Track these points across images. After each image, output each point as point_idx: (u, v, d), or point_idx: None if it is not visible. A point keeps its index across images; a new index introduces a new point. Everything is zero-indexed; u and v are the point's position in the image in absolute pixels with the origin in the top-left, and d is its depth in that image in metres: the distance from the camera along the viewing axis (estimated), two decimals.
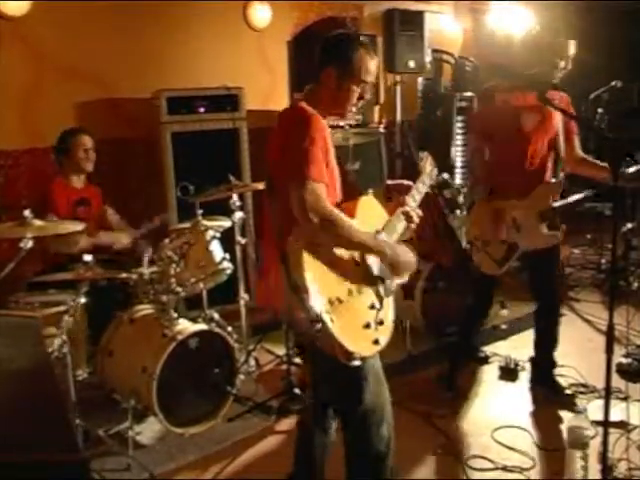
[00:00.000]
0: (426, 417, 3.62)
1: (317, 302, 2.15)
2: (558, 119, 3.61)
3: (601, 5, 6.80)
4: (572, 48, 3.56)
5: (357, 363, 2.27)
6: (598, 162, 3.71)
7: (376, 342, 2.35)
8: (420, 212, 2.64)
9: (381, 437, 2.49)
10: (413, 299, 4.51)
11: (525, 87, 3.48)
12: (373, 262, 2.39)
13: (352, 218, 2.33)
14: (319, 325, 2.13)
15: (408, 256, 2.43)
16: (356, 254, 2.35)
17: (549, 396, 3.77)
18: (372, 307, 2.36)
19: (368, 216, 2.45)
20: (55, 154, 4.23)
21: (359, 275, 2.35)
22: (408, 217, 2.59)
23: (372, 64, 2.43)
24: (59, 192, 4.06)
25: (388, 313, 2.43)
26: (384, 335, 2.39)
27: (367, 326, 2.32)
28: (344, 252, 2.32)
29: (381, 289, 2.40)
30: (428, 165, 2.83)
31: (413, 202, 2.65)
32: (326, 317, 2.15)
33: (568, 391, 3.77)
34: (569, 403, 3.63)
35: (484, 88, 3.63)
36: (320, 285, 2.18)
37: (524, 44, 3.67)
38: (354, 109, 2.49)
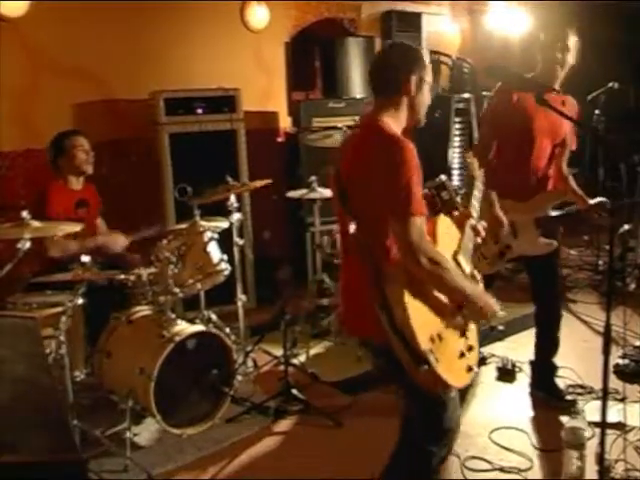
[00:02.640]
0: None
1: (421, 342, 2.12)
2: (567, 126, 3.59)
3: (599, 6, 6.81)
4: (573, 41, 3.53)
5: (453, 394, 2.29)
6: (577, 189, 3.71)
7: (470, 369, 2.35)
8: (485, 224, 2.65)
9: (438, 456, 2.42)
10: None
11: (525, 89, 3.46)
12: None
13: (433, 239, 2.30)
14: (425, 366, 2.10)
15: (494, 307, 2.38)
16: None
17: (549, 401, 3.75)
18: (462, 334, 2.35)
19: (446, 236, 2.43)
20: (51, 156, 4.18)
21: (449, 302, 2.32)
22: (476, 231, 2.59)
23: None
24: (58, 194, 4.04)
25: (474, 336, 2.42)
26: (474, 360, 2.38)
27: (462, 355, 2.31)
28: None
29: (466, 312, 2.37)
30: (477, 170, 2.83)
31: (475, 213, 2.66)
32: (432, 358, 2.12)
33: (569, 397, 3.74)
34: (569, 408, 3.60)
35: (499, 85, 3.58)
36: (422, 323, 2.15)
37: (523, 45, 3.64)
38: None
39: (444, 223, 2.48)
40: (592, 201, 3.65)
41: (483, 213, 3.57)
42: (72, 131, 4.29)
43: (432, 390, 2.21)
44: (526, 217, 3.58)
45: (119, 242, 4.18)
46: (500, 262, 3.66)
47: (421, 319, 2.16)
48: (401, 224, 2.17)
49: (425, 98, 2.43)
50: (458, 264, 2.42)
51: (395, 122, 2.36)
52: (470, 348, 2.37)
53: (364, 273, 2.25)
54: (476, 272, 2.52)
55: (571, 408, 3.56)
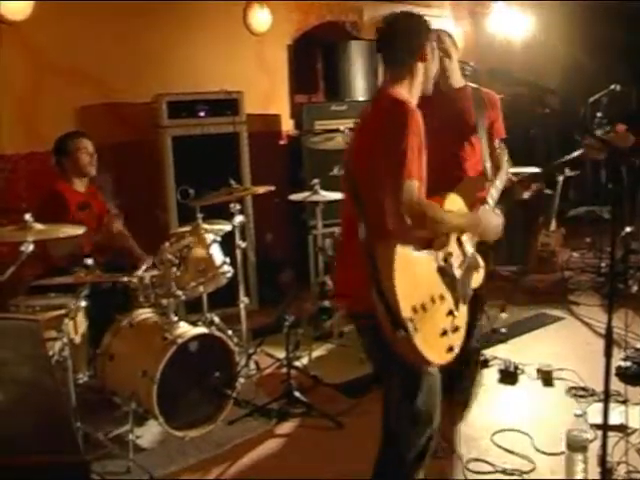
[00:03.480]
0: None
1: (403, 309, 2.13)
2: (490, 117, 3.48)
3: (601, 8, 6.81)
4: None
5: (431, 370, 2.29)
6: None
7: (450, 349, 2.35)
8: (499, 212, 2.69)
9: (414, 445, 2.43)
10: None
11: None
12: (455, 265, 2.40)
13: None
14: (402, 333, 2.12)
15: (497, 220, 2.46)
16: (440, 259, 2.34)
17: None
18: (449, 313, 2.35)
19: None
20: (56, 158, 4.22)
21: (442, 280, 2.34)
22: None
23: None
24: (63, 195, 4.06)
25: (462, 319, 2.43)
26: (458, 342, 2.39)
27: (444, 333, 2.32)
28: (431, 258, 2.31)
29: (460, 293, 2.39)
30: (504, 161, 2.84)
31: (492, 201, 2.66)
32: (410, 326, 2.13)
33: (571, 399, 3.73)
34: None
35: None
36: (407, 292, 2.16)
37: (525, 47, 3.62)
38: None
39: (454, 201, 2.51)
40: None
41: None
42: (76, 133, 4.31)
43: (408, 359, 2.22)
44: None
45: (114, 228, 4.18)
46: None
47: (407, 287, 2.17)
48: (392, 187, 2.18)
49: (436, 65, 2.48)
50: (461, 244, 2.43)
51: (410, 91, 2.39)
52: (456, 329, 2.38)
53: (359, 247, 2.27)
54: (478, 256, 2.54)
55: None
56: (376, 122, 2.31)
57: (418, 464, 2.47)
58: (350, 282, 2.37)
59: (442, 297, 2.33)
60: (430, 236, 2.30)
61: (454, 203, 2.50)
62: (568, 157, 3.78)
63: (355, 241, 2.28)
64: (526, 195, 3.57)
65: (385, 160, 2.21)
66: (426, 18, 2.47)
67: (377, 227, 2.22)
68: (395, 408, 2.42)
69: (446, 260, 2.36)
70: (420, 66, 2.41)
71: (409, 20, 2.44)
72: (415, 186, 2.19)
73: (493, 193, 2.71)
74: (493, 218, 2.55)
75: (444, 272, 2.35)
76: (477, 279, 2.54)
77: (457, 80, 3.54)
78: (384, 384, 2.47)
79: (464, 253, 2.47)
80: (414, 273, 2.24)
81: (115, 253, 4.25)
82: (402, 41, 2.39)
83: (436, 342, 2.28)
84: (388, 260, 2.15)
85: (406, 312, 2.14)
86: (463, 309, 2.43)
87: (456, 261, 2.42)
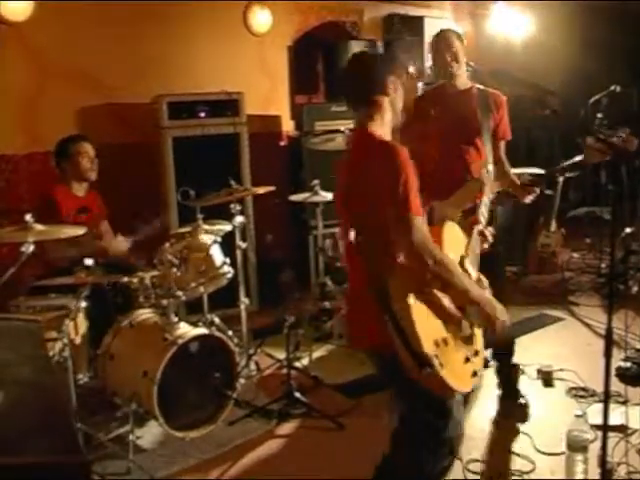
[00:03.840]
0: None
1: (426, 346, 2.12)
2: (494, 119, 3.51)
3: (601, 8, 6.81)
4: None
5: (459, 398, 2.29)
6: (515, 179, 3.60)
7: (474, 374, 2.35)
8: (492, 230, 2.69)
9: (439, 467, 2.40)
10: None
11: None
12: None
13: (440, 245, 2.32)
14: (428, 370, 2.11)
15: (501, 314, 2.37)
16: None
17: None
18: (468, 340, 2.35)
19: (452, 241, 2.45)
20: (56, 160, 4.22)
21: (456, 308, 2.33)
22: (483, 236, 2.64)
23: None
24: (62, 198, 4.06)
25: (479, 341, 2.42)
26: (479, 364, 2.38)
27: (467, 360, 2.32)
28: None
29: (473, 317, 2.36)
30: (487, 178, 2.84)
31: (483, 219, 2.67)
32: (436, 362, 2.12)
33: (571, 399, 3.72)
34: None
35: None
36: (426, 327, 2.15)
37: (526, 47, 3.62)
38: None
39: (451, 229, 2.50)
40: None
41: None
42: (77, 137, 4.30)
43: (435, 392, 2.21)
44: (453, 212, 3.47)
45: (120, 247, 4.20)
46: None
47: (426, 323, 2.16)
48: (403, 226, 2.18)
49: (401, 97, 2.45)
50: (465, 269, 2.43)
51: (382, 128, 2.39)
52: (476, 353, 2.37)
53: (361, 281, 2.27)
54: (483, 277, 2.53)
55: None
56: (367, 166, 2.30)
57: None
58: (360, 317, 2.35)
59: (459, 327, 2.32)
60: (440, 287, 2.27)
61: (451, 232, 2.49)
62: (568, 162, 3.75)
63: (360, 273, 2.30)
64: (528, 200, 3.55)
65: (388, 203, 2.21)
66: (391, 51, 2.48)
67: (383, 267, 2.22)
68: (421, 439, 2.38)
69: None
70: (386, 101, 2.40)
71: (366, 59, 2.49)
72: (424, 222, 2.21)
73: (483, 211, 2.71)
74: (499, 309, 2.41)
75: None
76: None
77: (463, 82, 3.55)
78: (405, 413, 2.41)
79: (469, 276, 2.46)
80: (433, 304, 2.23)
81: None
82: (362, 79, 2.42)
83: (462, 371, 2.29)
84: (402, 296, 2.14)
85: (429, 348, 2.13)
86: (478, 332, 2.42)
87: None
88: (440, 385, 2.17)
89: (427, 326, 2.16)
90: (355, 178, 2.34)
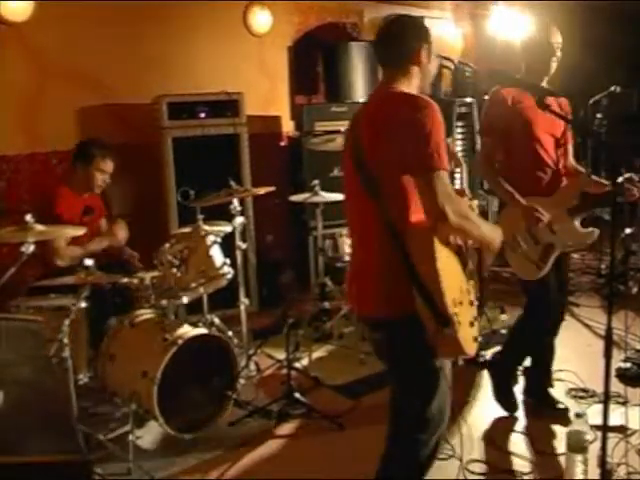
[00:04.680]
0: None
1: (449, 304, 2.11)
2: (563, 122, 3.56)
3: (601, 9, 6.82)
4: (558, 37, 3.52)
5: (461, 363, 2.29)
6: (594, 177, 3.62)
7: (475, 340, 2.35)
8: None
9: (426, 447, 2.42)
10: None
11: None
12: (470, 255, 2.40)
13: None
14: (450, 330, 2.11)
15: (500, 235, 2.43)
16: (458, 243, 2.34)
17: (541, 410, 3.71)
18: (472, 303, 2.35)
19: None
20: (73, 158, 4.20)
21: (465, 270, 2.35)
22: None
23: None
24: (64, 201, 4.05)
25: (475, 309, 2.42)
26: (478, 331, 2.39)
27: (472, 324, 2.31)
28: (453, 245, 2.30)
29: (474, 279, 2.39)
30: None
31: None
32: (455, 320, 2.12)
33: (561, 405, 3.69)
34: (562, 417, 3.57)
35: (491, 91, 3.58)
36: (448, 285, 2.13)
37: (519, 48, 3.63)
38: None
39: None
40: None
41: (516, 220, 3.51)
42: (104, 149, 4.20)
43: (444, 354, 2.23)
44: (557, 211, 3.46)
45: (120, 234, 4.20)
46: (547, 262, 3.47)
47: (447, 281, 2.14)
48: (428, 179, 2.16)
49: (433, 67, 2.48)
50: None
51: (408, 90, 2.38)
52: (475, 318, 2.38)
53: (374, 246, 2.27)
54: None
55: (565, 416, 3.53)
56: (392, 119, 2.25)
57: (428, 465, 2.47)
58: (370, 287, 2.33)
59: (468, 287, 2.34)
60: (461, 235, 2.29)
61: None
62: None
63: (366, 240, 2.31)
64: None
65: (414, 154, 2.18)
66: (425, 22, 2.48)
67: (404, 221, 2.21)
68: (409, 411, 2.40)
69: (460, 250, 2.36)
70: (415, 69, 2.40)
71: (405, 23, 2.45)
72: (447, 177, 2.19)
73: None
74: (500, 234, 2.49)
75: (464, 262, 2.36)
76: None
77: None
78: (395, 386, 2.44)
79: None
80: (449, 265, 2.22)
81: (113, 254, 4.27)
82: (396, 44, 2.40)
83: (469, 333, 2.28)
84: (429, 254, 2.12)
85: (451, 307, 2.13)
86: (475, 300, 2.43)
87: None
88: (455, 346, 2.17)
89: (448, 284, 2.14)
90: (379, 133, 2.28)
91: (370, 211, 2.28)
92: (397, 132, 2.21)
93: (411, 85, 2.40)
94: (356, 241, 2.48)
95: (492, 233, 2.39)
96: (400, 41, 2.39)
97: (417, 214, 2.24)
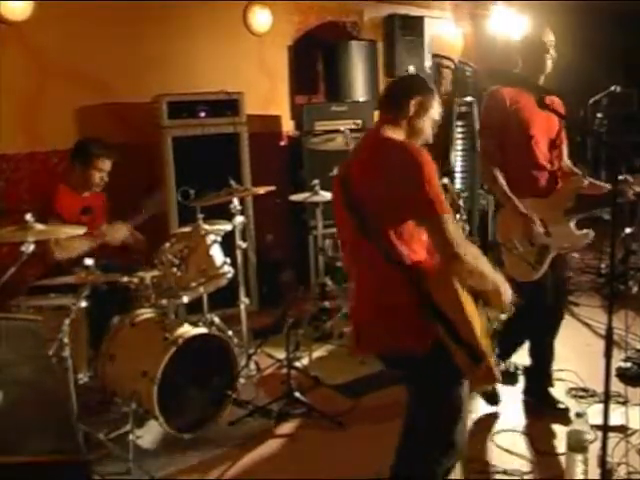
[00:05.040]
0: None
1: (480, 342, 2.15)
2: (556, 120, 3.57)
3: (601, 9, 6.81)
4: (550, 35, 3.55)
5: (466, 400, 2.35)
6: (591, 179, 3.62)
7: (497, 364, 2.38)
8: None
9: (444, 467, 2.42)
10: None
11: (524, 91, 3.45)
12: None
13: None
14: (484, 363, 2.15)
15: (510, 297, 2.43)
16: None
17: (542, 409, 3.71)
18: (488, 332, 2.38)
19: None
20: (72, 156, 4.20)
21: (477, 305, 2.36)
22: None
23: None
24: (63, 199, 4.05)
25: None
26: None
27: (492, 353, 2.33)
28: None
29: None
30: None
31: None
32: (487, 354, 2.16)
33: (561, 405, 3.69)
34: (562, 416, 3.57)
35: (489, 90, 3.58)
36: (475, 324, 2.18)
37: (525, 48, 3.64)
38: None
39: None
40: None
41: (512, 221, 3.51)
42: (103, 148, 4.21)
43: (476, 385, 2.29)
44: (553, 212, 3.49)
45: (121, 232, 4.21)
46: (542, 264, 3.49)
47: (475, 322, 2.19)
48: (435, 225, 2.19)
49: (425, 124, 2.48)
50: None
51: (396, 136, 2.41)
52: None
53: (385, 286, 2.29)
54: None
55: (565, 416, 3.53)
56: (384, 168, 2.29)
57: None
58: (390, 326, 2.33)
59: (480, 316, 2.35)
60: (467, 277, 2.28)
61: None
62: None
63: (371, 280, 2.34)
64: None
65: (415, 203, 2.22)
66: (427, 82, 2.55)
67: (418, 269, 2.24)
68: (434, 436, 2.40)
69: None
70: (403, 121, 2.44)
71: (405, 79, 2.71)
72: (452, 219, 2.23)
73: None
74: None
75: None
76: None
77: None
78: (416, 411, 2.43)
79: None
80: (469, 305, 2.24)
81: (114, 254, 4.26)
82: (392, 94, 2.52)
83: (493, 361, 2.30)
84: (456, 301, 2.16)
85: (482, 344, 2.17)
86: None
87: None
88: (489, 377, 2.21)
89: (476, 324, 2.19)
90: (369, 182, 2.31)
91: (372, 254, 2.29)
92: (394, 183, 2.25)
93: (399, 133, 2.44)
94: (361, 284, 2.46)
95: (502, 278, 2.40)
96: (393, 92, 2.52)
97: (417, 254, 2.28)
